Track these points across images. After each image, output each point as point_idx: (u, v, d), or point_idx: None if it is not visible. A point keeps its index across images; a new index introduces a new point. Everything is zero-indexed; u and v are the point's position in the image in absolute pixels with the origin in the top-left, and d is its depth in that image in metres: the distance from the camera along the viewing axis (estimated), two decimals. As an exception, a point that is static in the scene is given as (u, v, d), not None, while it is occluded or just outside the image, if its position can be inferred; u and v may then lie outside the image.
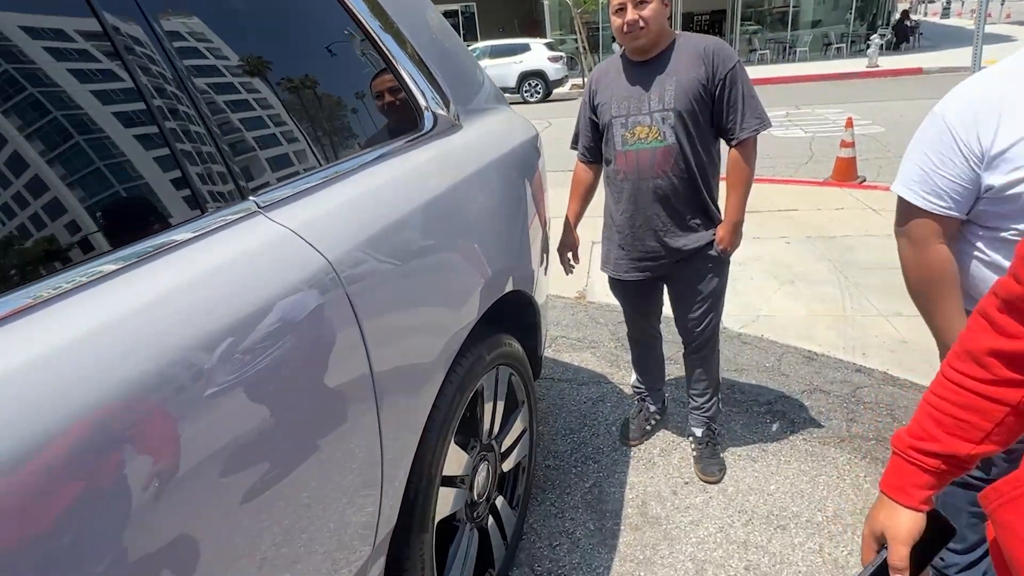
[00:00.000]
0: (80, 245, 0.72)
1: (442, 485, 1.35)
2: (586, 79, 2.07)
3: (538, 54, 15.21)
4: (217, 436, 0.76)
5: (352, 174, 1.16)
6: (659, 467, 2.22)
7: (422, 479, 1.24)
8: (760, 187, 5.67)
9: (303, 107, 1.16)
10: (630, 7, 1.72)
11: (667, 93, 1.76)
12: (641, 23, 1.72)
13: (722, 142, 1.89)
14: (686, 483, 2.13)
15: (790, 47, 18.93)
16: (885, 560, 0.79)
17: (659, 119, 1.78)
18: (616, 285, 2.14)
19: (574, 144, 2.12)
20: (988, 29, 22.22)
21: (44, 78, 0.74)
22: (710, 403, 2.18)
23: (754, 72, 15.62)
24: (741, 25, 19.24)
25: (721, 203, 1.95)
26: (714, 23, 20.07)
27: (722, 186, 1.90)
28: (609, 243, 2.05)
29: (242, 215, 0.91)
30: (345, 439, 0.98)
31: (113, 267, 0.74)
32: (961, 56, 13.76)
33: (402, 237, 1.16)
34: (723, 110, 1.79)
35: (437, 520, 1.34)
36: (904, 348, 2.86)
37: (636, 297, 2.14)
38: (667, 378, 2.52)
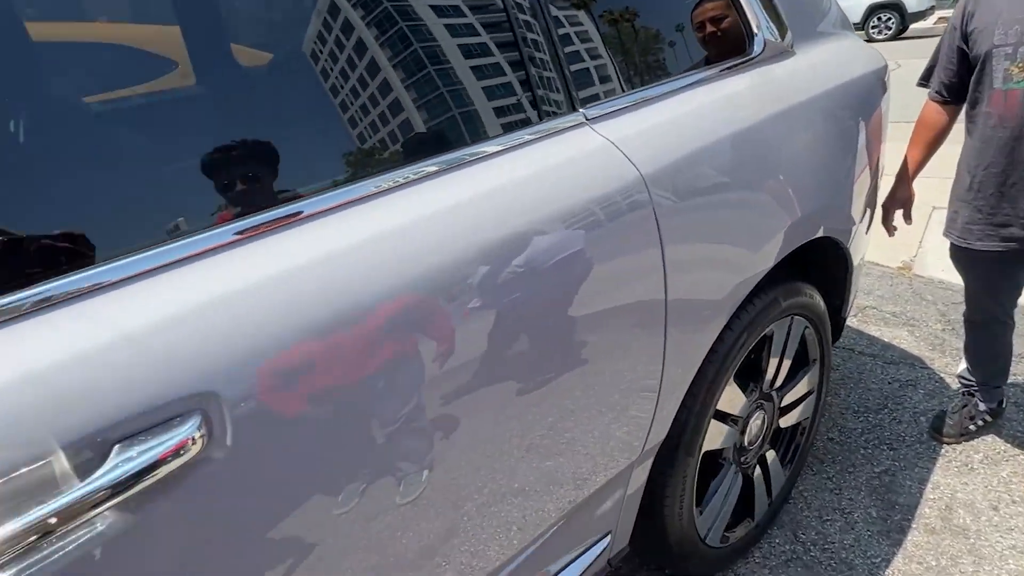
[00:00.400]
0: (434, 142, 0.89)
1: (714, 418, 1.35)
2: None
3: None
4: (513, 320, 0.86)
5: (672, 95, 1.17)
6: (979, 475, 1.86)
7: (696, 404, 1.26)
8: None
9: (632, 28, 1.21)
10: None
11: None
12: None
13: None
14: (1014, 502, 1.76)
15: None
16: None
17: None
18: (962, 255, 1.77)
19: (924, 80, 1.79)
20: None
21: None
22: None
23: None
24: None
25: None
26: None
27: None
28: (961, 204, 1.70)
29: (571, 125, 1.01)
30: (631, 349, 1.05)
31: (436, 168, 0.86)
32: None
33: (713, 163, 1.15)
34: None
35: (704, 450, 1.35)
36: None
37: (989, 272, 1.75)
38: (1012, 378, 2.06)
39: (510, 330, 0.87)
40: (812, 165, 1.41)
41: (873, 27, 12.78)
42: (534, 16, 0.99)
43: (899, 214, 1.89)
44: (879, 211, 1.86)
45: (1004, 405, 2.05)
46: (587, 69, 1.08)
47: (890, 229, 1.90)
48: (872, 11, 12.76)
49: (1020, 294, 1.80)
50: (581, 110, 1.02)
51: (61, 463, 0.53)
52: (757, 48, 1.40)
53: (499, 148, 0.92)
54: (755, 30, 1.40)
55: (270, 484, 0.67)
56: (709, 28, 1.36)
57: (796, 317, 1.52)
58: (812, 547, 1.69)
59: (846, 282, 1.72)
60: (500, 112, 0.96)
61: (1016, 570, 1.57)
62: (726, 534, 1.55)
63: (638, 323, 1.05)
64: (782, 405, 1.62)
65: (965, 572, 1.57)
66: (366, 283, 0.73)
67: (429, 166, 0.85)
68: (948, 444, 1.98)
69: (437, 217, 0.82)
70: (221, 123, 0.75)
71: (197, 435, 0.59)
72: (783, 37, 1.47)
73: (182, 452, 0.58)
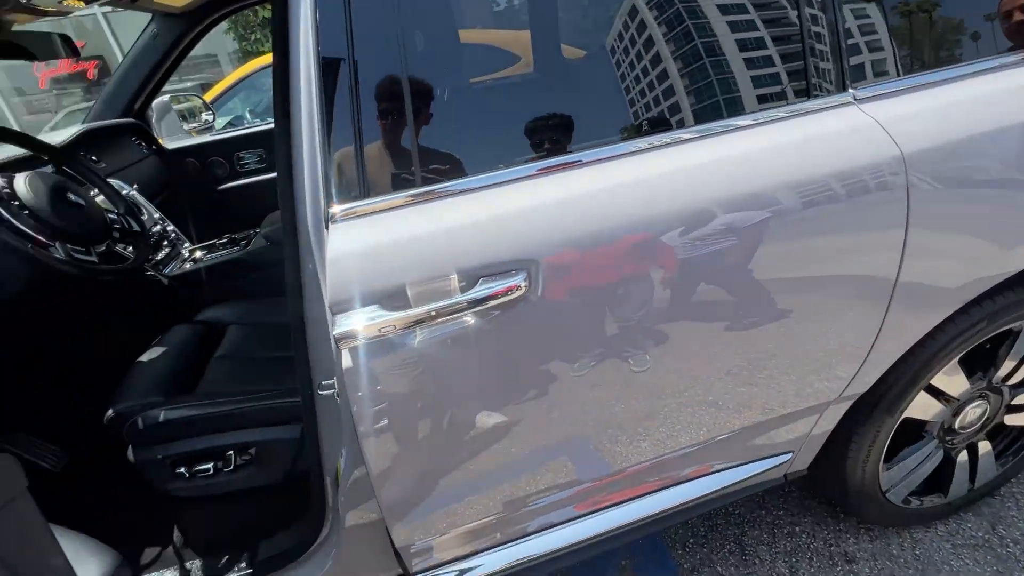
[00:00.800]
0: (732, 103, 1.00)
1: (926, 391, 1.30)
2: None
3: None
4: (739, 262, 0.95)
5: (956, 81, 1.06)
6: None
7: (907, 373, 1.21)
8: None
9: (917, 7, 1.11)
10: None
11: None
12: None
13: None
14: None
15: None
16: None
17: None
18: None
19: None
20: None
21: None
22: None
23: None
24: None
25: None
26: None
27: None
28: None
29: (838, 104, 1.02)
30: (846, 317, 1.05)
31: (744, 122, 0.99)
32: None
33: (985, 154, 1.02)
34: None
35: (906, 415, 1.32)
36: None
37: None
38: None
39: (735, 271, 0.97)
40: None
41: None
42: (816, 17, 1.01)
43: None
44: None
45: None
46: (862, 49, 1.05)
47: None
48: None
49: None
50: (851, 89, 1.03)
51: (455, 283, 0.85)
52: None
53: (761, 121, 1.00)
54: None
55: (558, 328, 0.93)
56: (1016, 12, 1.15)
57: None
58: (1010, 543, 1.52)
59: None
60: (768, 84, 1.02)
61: None
62: (910, 497, 1.50)
63: (861, 296, 1.04)
64: (1012, 403, 1.45)
65: None
66: (632, 213, 0.92)
67: (697, 132, 0.97)
68: None
69: (702, 168, 0.95)
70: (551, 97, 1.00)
71: (522, 283, 0.86)
72: None
73: (512, 292, 0.86)
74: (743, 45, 0.99)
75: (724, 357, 1.05)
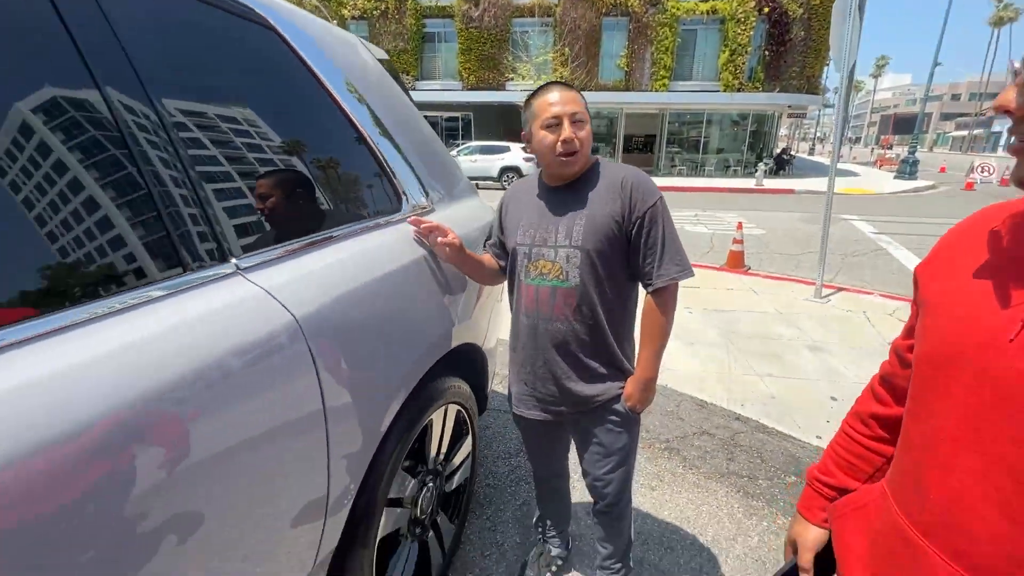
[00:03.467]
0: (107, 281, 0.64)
1: (388, 506, 1.23)
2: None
3: (515, 154, 15.58)
4: (157, 464, 0.66)
5: (328, 244, 1.09)
6: (577, 490, 2.12)
7: (368, 501, 1.12)
8: (672, 268, 5.77)
9: (293, 183, 1.11)
10: (567, 123, 1.16)
11: (576, 228, 1.19)
12: (577, 143, 1.16)
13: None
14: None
15: (700, 165, 19.81)
16: (795, 564, 0.81)
17: (563, 256, 1.20)
18: (520, 421, 1.45)
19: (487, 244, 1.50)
20: (841, 166, 23.61)
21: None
22: (619, 564, 1.51)
23: (674, 182, 16.24)
24: (667, 147, 20.13)
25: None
26: (647, 144, 20.94)
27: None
28: (512, 375, 1.40)
29: (223, 275, 0.83)
30: (294, 470, 0.88)
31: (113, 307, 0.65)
32: (820, 183, 14.57)
33: (361, 303, 1.07)
34: (640, 251, 1.20)
35: (380, 536, 1.22)
36: (773, 403, 2.84)
37: (540, 437, 1.48)
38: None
39: (168, 466, 0.65)
40: (445, 294, 1.45)
41: (505, 180, 15.38)
42: (184, 174, 0.81)
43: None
44: (505, 304, 1.58)
45: (571, 546, 1.77)
46: (241, 217, 0.92)
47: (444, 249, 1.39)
48: (503, 171, 15.40)
49: (569, 449, 1.57)
50: (234, 259, 0.86)
51: None
52: (407, 206, 1.43)
53: (143, 300, 0.70)
54: (402, 192, 1.44)
55: None
56: (375, 185, 1.33)
57: (450, 405, 1.53)
58: (477, 582, 1.66)
59: (485, 369, 1.82)
60: (150, 256, 0.74)
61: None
62: (408, 600, 1.41)
63: (301, 449, 0.89)
64: (447, 474, 1.59)
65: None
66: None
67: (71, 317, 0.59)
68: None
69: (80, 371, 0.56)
70: None
71: None
72: (426, 197, 1.55)
73: None
74: (115, 210, 0.66)
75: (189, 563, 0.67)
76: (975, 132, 52.50)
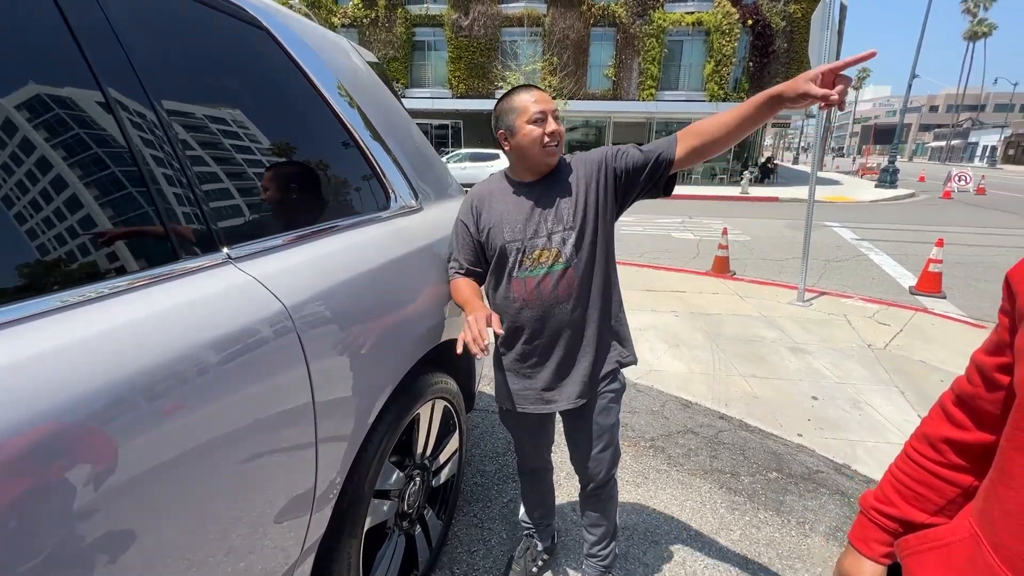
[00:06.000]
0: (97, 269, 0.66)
1: (375, 497, 1.25)
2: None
3: (504, 162, 15.68)
4: (149, 447, 0.68)
5: (319, 237, 1.12)
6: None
7: (355, 492, 1.14)
8: (659, 272, 5.85)
9: (288, 176, 1.13)
10: (551, 118, 1.26)
11: (566, 211, 1.28)
12: (560, 135, 1.27)
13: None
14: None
15: (688, 173, 20.08)
16: None
17: (559, 240, 1.28)
18: (512, 417, 1.48)
19: (449, 267, 1.45)
20: (823, 175, 24.04)
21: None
22: (608, 550, 1.57)
23: (661, 189, 16.38)
24: (654, 155, 20.34)
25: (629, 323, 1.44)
26: (635, 152, 21.18)
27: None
28: (508, 374, 1.40)
29: (214, 264, 0.85)
30: (281, 453, 0.90)
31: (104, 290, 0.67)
32: (804, 191, 14.86)
33: (350, 295, 1.10)
34: (641, 166, 1.28)
35: (368, 527, 1.23)
36: (756, 402, 2.90)
37: (533, 431, 1.52)
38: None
39: (152, 457, 0.66)
40: (432, 290, 1.47)
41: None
42: (180, 163, 0.84)
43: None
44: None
45: (556, 541, 1.81)
46: (233, 209, 0.95)
47: (480, 348, 1.18)
48: (493, 177, 15.39)
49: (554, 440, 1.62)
50: (225, 249, 0.88)
51: None
52: (394, 205, 1.46)
53: (134, 283, 0.72)
54: (391, 191, 1.47)
55: None
56: (367, 183, 1.36)
57: (437, 400, 1.55)
58: (464, 578, 1.67)
59: (472, 367, 1.85)
60: (136, 248, 0.76)
61: (588, 552, 1.79)
62: (395, 593, 1.42)
63: (289, 439, 0.90)
64: (434, 469, 1.61)
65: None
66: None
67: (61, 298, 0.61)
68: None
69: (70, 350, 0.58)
70: None
71: None
72: (415, 198, 1.58)
73: None
74: (105, 195, 0.68)
75: (177, 540, 0.69)
76: (952, 143, 53.90)
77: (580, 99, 18.68)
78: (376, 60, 1.80)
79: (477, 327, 1.17)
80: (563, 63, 18.72)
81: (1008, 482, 0.53)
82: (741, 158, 20.67)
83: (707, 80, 18.43)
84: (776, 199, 14.74)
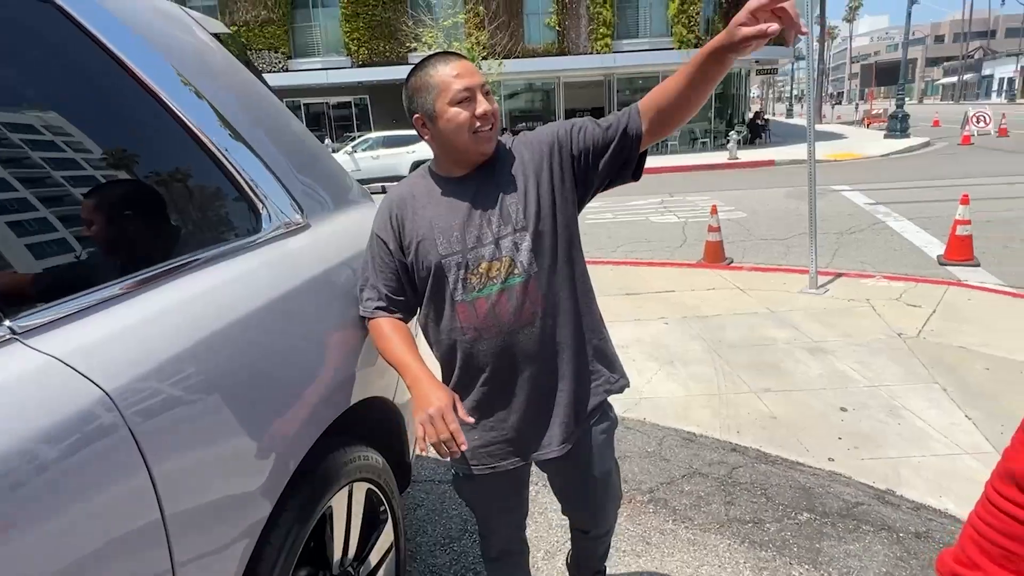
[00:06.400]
0: None
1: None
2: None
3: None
4: None
5: (166, 281, 1.04)
6: None
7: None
8: (639, 270, 5.97)
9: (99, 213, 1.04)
10: (480, 95, 1.23)
11: (512, 208, 1.27)
12: (493, 116, 1.25)
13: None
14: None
15: (663, 141, 20.75)
16: None
17: (510, 246, 1.26)
18: (473, 484, 1.44)
19: (364, 298, 1.39)
20: (823, 128, 25.58)
21: None
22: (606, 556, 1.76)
23: (632, 162, 16.89)
24: (618, 121, 20.90)
25: (605, 314, 1.45)
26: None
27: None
28: (464, 429, 1.28)
29: (-8, 344, 0.76)
30: None
31: None
32: (803, 151, 15.67)
33: (206, 358, 1.02)
34: (604, 144, 1.28)
35: None
36: (774, 424, 2.97)
37: (508, 494, 1.49)
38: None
39: None
40: (336, 335, 1.43)
41: (420, 179, 15.37)
42: None
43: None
44: None
45: None
46: (20, 259, 0.86)
47: (449, 448, 1.20)
48: (415, 166, 15.37)
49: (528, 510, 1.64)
50: (8, 322, 0.79)
51: None
52: (268, 226, 1.39)
53: None
54: (264, 207, 1.40)
55: None
56: (222, 201, 1.29)
57: (356, 483, 1.47)
58: None
59: (403, 431, 1.78)
60: None
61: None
62: None
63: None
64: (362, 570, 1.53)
65: None
66: None
67: None
68: None
69: None
70: None
71: None
72: (300, 213, 1.51)
73: None
74: None
75: None
76: (965, 78, 58.60)
77: (518, 57, 19.01)
78: (227, 31, 1.73)
79: (444, 426, 1.16)
80: (492, 13, 19.00)
81: None
82: (724, 116, 21.62)
83: (673, 23, 19.22)
84: (772, 162, 15.49)
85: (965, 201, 5.58)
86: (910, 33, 20.92)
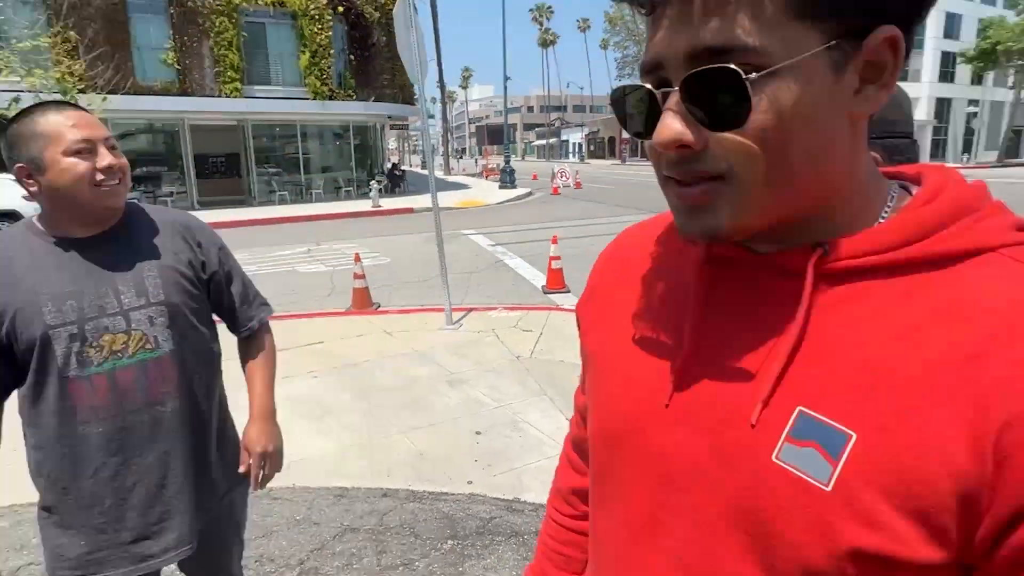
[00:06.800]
0: None
1: None
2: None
3: (10, 189, 12.39)
4: None
5: None
6: None
7: None
8: (287, 323, 5.69)
9: None
10: (103, 148, 1.17)
11: (148, 281, 1.23)
12: (122, 172, 1.21)
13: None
14: None
15: (306, 188, 20.55)
16: None
17: (143, 319, 1.21)
18: None
19: None
20: (452, 179, 28.84)
21: None
22: None
23: (276, 211, 16.28)
24: (258, 168, 19.94)
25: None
26: (230, 165, 20.24)
27: None
28: (64, 533, 1.21)
29: None
30: None
31: None
32: (440, 199, 17.40)
33: None
34: (225, 296, 1.40)
35: None
36: (421, 460, 3.11)
37: None
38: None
39: None
40: None
41: (-8, 234, 11.99)
42: None
43: None
44: None
45: None
46: None
47: None
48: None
49: None
50: None
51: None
52: None
53: None
54: None
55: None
56: None
57: None
58: None
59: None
60: None
61: None
62: None
63: None
64: None
65: None
66: None
67: None
68: None
69: None
70: None
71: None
72: None
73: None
74: None
75: None
76: (550, 141, 73.36)
77: (129, 93, 16.58)
78: None
79: None
80: (90, 41, 16.21)
81: (592, 537, 0.61)
82: (365, 165, 22.55)
83: (306, 74, 19.30)
84: (411, 210, 16.69)
85: (555, 241, 6.88)
86: (508, 103, 25.25)
